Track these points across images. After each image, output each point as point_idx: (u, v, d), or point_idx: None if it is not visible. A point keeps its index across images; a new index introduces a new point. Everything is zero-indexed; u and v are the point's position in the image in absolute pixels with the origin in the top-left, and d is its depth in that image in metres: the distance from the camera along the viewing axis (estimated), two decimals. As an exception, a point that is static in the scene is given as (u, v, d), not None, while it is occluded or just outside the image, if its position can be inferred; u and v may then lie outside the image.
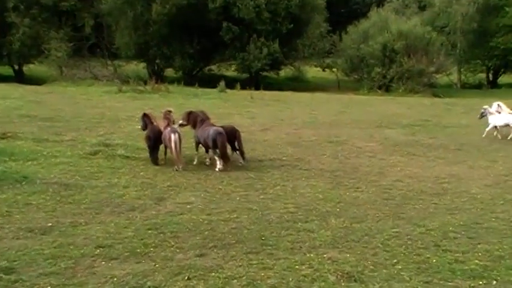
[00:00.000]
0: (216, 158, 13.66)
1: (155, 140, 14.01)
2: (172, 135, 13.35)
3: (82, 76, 40.05)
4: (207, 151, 14.32)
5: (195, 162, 14.27)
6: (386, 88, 41.44)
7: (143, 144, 14.91)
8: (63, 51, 41.68)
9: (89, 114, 21.40)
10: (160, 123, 14.29)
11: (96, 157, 14.29)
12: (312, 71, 50.82)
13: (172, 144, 13.34)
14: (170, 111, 14.42)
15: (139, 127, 15.25)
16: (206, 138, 13.69)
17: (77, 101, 26.08)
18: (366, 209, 10.82)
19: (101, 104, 25.18)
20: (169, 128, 13.63)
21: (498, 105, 19.31)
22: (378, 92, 40.38)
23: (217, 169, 13.53)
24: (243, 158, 14.28)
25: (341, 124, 21.95)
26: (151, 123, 14.56)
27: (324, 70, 49.69)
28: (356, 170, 14.16)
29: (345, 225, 9.78)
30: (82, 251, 8.16)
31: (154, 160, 13.95)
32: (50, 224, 9.21)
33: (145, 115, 14.80)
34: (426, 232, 9.37)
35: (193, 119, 14.34)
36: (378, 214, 10.46)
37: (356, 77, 46.21)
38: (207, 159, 14.29)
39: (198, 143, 14.29)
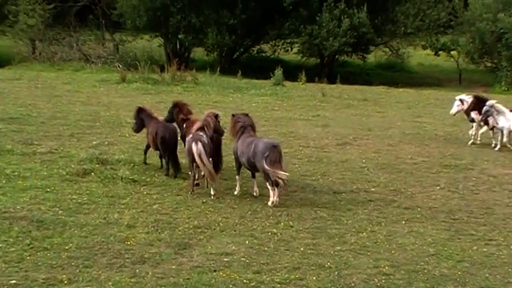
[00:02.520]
0: (269, 186, 13.75)
1: (173, 143, 15.37)
2: (194, 146, 13.92)
3: (66, 56, 41.04)
4: (253, 175, 14.47)
5: (236, 192, 14.42)
6: (539, 83, 40.52)
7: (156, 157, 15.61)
8: (37, 18, 42.81)
9: (76, 115, 22.01)
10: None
11: (87, 180, 14.58)
12: (419, 56, 50.28)
13: (196, 157, 13.87)
14: (217, 116, 14.86)
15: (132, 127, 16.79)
16: (252, 156, 13.82)
17: (58, 93, 26.87)
18: (505, 273, 10.62)
19: (94, 99, 25.86)
20: (191, 135, 14.34)
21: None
22: (525, 89, 39.55)
23: (270, 203, 13.63)
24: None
25: (463, 139, 21.59)
26: (154, 118, 16.00)
27: (437, 54, 49.05)
28: (488, 212, 13.95)
29: (471, 298, 9.65)
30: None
31: (167, 169, 15.49)
32: (14, 282, 9.43)
33: (141, 110, 16.30)
34: None
35: (232, 125, 14.76)
36: (524, 283, 10.25)
37: (489, 65, 45.28)
38: (255, 188, 14.43)
39: (238, 163, 14.50)
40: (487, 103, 19.75)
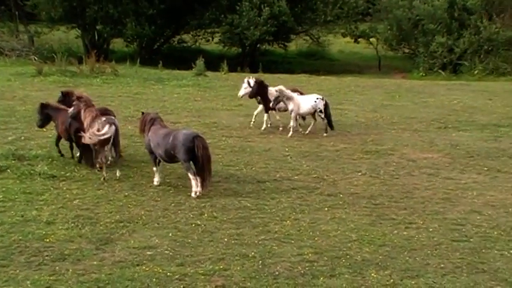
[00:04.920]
0: (191, 177, 13.72)
1: None
2: (108, 128, 14.40)
3: (-22, 49, 40.02)
4: (158, 163, 14.53)
5: (155, 182, 14.41)
6: (454, 68, 41.57)
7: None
8: None
9: (-9, 110, 21.47)
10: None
11: (2, 176, 14.34)
12: (339, 43, 50.97)
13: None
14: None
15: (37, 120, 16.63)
16: (171, 147, 13.71)
17: (-29, 88, 26.13)
18: (424, 255, 10.92)
19: (8, 93, 25.23)
20: (103, 119, 14.70)
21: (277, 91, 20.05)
22: (441, 75, 40.54)
23: (193, 194, 13.62)
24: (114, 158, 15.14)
25: (384, 125, 22.04)
26: (62, 109, 16.00)
27: (356, 41, 49.81)
28: (408, 196, 14.28)
29: (391, 281, 9.86)
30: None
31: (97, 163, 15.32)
32: None
33: (45, 106, 16.31)
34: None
35: (142, 121, 14.88)
36: (443, 264, 10.57)
37: (407, 51, 46.31)
38: (157, 179, 14.40)
39: (153, 155, 14.44)
40: (275, 89, 19.84)
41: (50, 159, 15.65)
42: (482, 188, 14.91)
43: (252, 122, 20.70)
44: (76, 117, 15.22)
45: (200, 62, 33.74)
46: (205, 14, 43.57)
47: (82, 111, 15.09)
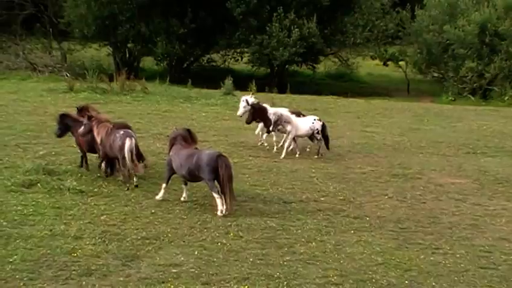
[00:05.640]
0: (216, 196, 13.78)
1: None
2: (128, 141, 14.71)
3: (12, 65, 40.53)
4: (186, 183, 14.66)
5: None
6: (483, 93, 41.34)
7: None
8: (-19, 26, 42.32)
9: (22, 125, 21.74)
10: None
11: (32, 191, 14.46)
12: (368, 66, 50.95)
13: (127, 152, 14.66)
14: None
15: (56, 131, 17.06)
16: (196, 168, 13.81)
17: (3, 102, 26.48)
18: (451, 282, 10.84)
19: (41, 108, 25.53)
20: (122, 132, 15.10)
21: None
22: (471, 99, 40.33)
23: (219, 213, 13.66)
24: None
25: (411, 148, 21.97)
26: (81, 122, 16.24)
27: (385, 64, 49.77)
28: (435, 221, 14.20)
29: (418, 306, 9.80)
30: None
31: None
32: (-42, 295, 9.38)
33: (65, 116, 16.83)
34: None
35: (170, 139, 14.96)
36: (470, 291, 10.51)
37: (436, 75, 46.10)
38: (184, 194, 14.55)
39: (169, 173, 14.65)
40: (274, 113, 19.62)
41: (79, 175, 15.82)
42: (511, 215, 14.79)
43: (274, 148, 20.52)
44: (88, 134, 15.64)
45: (229, 82, 33.88)
46: (235, 34, 43.85)
47: (94, 127, 15.47)
